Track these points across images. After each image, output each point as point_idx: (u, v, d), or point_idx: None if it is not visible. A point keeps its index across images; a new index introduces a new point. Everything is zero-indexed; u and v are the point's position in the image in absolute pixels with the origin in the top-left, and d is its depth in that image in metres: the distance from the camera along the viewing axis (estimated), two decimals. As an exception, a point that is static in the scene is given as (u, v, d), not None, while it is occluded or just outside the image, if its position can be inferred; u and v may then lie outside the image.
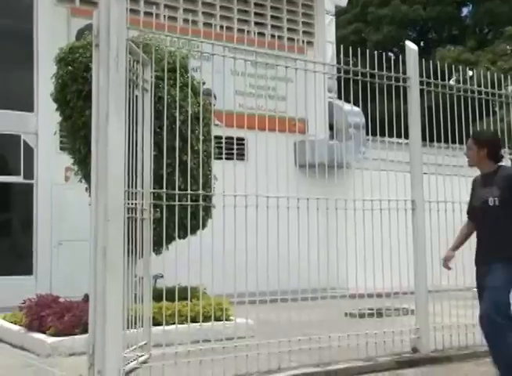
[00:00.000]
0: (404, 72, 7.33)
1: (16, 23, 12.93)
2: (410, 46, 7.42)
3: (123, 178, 5.46)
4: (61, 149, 11.80)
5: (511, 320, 4.82)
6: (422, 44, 30.35)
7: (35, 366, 6.68)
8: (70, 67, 8.39)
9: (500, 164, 5.24)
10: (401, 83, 7.30)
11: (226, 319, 6.86)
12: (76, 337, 7.14)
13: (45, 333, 7.41)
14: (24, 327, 7.86)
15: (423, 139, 7.36)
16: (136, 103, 6.18)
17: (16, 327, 8.03)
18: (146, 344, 6.20)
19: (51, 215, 12.82)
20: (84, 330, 6.56)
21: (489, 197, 5.06)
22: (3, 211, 12.92)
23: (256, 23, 15.83)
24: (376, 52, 7.17)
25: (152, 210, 6.19)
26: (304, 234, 6.34)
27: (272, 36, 14.88)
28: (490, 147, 5.16)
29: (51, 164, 12.76)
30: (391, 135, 7.27)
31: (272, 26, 16.16)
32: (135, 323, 6.05)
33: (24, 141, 12.84)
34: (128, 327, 5.70)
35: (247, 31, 6.84)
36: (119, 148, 5.41)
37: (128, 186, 5.73)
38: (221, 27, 11.67)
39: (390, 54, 29.27)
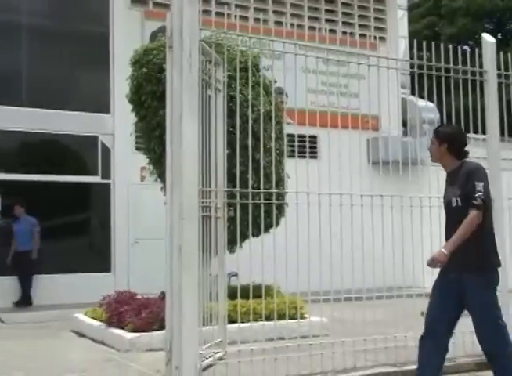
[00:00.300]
0: (480, 65, 7.13)
1: (92, 28, 13.33)
2: (487, 38, 7.21)
3: (197, 178, 5.51)
4: (137, 149, 12.07)
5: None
6: (499, 36, 29.45)
7: (116, 360, 6.87)
8: (144, 69, 8.55)
9: (465, 160, 4.88)
10: (477, 77, 7.11)
11: (300, 318, 6.85)
12: (153, 333, 7.29)
13: (123, 328, 7.60)
14: (104, 322, 8.09)
15: (502, 134, 7.15)
16: (209, 103, 6.25)
17: (96, 323, 8.27)
18: (221, 341, 6.27)
19: (127, 214, 13.14)
20: (161, 327, 6.70)
21: (452, 197, 4.76)
22: (82, 210, 13.33)
23: (327, 20, 15.75)
24: (450, 46, 7.01)
25: (226, 208, 6.24)
26: (379, 232, 6.27)
27: (344, 33, 14.76)
28: (451, 143, 4.83)
29: (127, 164, 13.08)
30: (467, 131, 7.09)
31: (344, 22, 16.03)
32: (211, 321, 6.13)
33: (101, 142, 13.21)
34: (203, 325, 5.78)
35: (318, 29, 6.80)
36: (193, 147, 5.47)
37: (202, 185, 5.78)
38: (292, 25, 11.66)
39: (465, 47, 28.53)
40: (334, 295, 6.12)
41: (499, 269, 4.80)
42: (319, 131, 6.25)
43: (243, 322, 6.13)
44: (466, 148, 4.92)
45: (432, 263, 4.58)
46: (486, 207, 4.61)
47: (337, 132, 6.32)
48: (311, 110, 6.49)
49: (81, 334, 8.57)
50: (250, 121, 6.32)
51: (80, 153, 13.55)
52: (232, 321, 6.58)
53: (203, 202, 5.84)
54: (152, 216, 11.80)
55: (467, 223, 4.53)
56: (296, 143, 6.35)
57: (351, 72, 6.53)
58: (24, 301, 11.87)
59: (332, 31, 13.58)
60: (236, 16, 6.30)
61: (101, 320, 8.21)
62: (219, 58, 6.43)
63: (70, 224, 12.98)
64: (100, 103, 13.18)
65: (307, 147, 6.73)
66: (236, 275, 7.08)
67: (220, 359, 6.02)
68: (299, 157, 6.37)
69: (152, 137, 8.71)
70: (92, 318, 8.53)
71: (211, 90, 6.38)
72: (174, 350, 5.30)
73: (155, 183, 9.31)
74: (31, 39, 12.90)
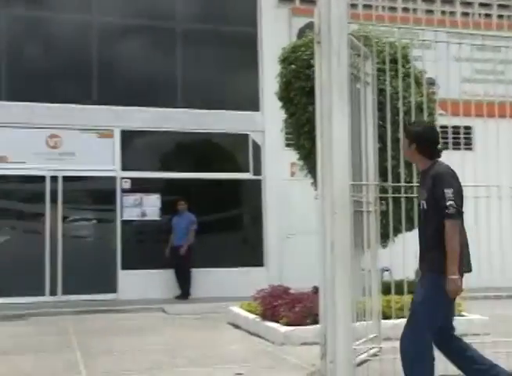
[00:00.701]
0: None
1: (241, 28, 13.65)
2: None
3: (348, 172, 5.46)
4: (286, 145, 12.23)
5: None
6: None
7: (271, 353, 7.01)
8: (292, 66, 8.64)
9: (437, 160, 4.54)
10: None
11: (458, 315, 6.62)
12: (307, 327, 7.36)
13: (278, 322, 7.74)
14: (259, 315, 8.28)
15: None
16: (358, 97, 6.21)
17: (251, 316, 8.49)
18: (375, 337, 6.21)
19: (279, 209, 13.35)
20: (314, 321, 6.76)
21: (421, 200, 4.51)
22: (235, 206, 13.73)
23: (481, 5, 14.98)
24: None
25: (378, 203, 6.17)
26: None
27: (500, 16, 14.04)
28: (419, 143, 4.54)
29: (277, 160, 13.29)
30: None
31: (500, 5, 15.19)
32: (364, 316, 6.09)
33: (252, 139, 13.53)
34: (357, 320, 5.75)
35: (472, 14, 6.53)
36: (343, 142, 5.42)
37: (354, 180, 5.75)
38: (443, 12, 11.28)
39: None
40: (494, 292, 5.85)
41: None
42: (473, 121, 5.99)
43: (397, 318, 6.03)
44: (439, 147, 4.60)
45: (453, 294, 4.35)
46: (460, 213, 4.32)
47: (494, 122, 6.04)
48: (465, 100, 6.25)
49: (236, 326, 8.84)
50: (401, 114, 6.19)
51: (232, 150, 13.94)
52: (386, 317, 6.50)
53: (354, 197, 5.81)
54: (303, 211, 11.93)
55: (448, 238, 4.26)
56: (450, 135, 6.15)
57: (508, 57, 6.22)
58: (183, 294, 12.42)
59: (487, 16, 12.98)
60: (383, 7, 6.20)
61: (256, 313, 8.41)
62: (368, 51, 6.36)
63: (224, 220, 13.42)
64: (250, 101, 13.49)
65: (461, 138, 6.46)
66: (388, 270, 6.97)
67: (374, 355, 5.97)
68: (453, 148, 6.17)
69: (301, 133, 8.79)
70: (247, 311, 8.77)
71: (360, 84, 6.33)
72: (328, 345, 5.31)
73: (305, 178, 9.40)
74: (184, 43, 13.45)
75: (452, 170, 4.48)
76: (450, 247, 4.26)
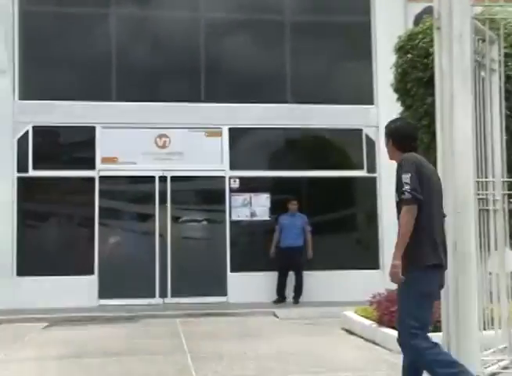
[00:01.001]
0: None
1: (353, 18, 13.15)
2: None
3: (472, 167, 5.19)
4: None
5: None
6: None
7: (388, 361, 6.63)
8: (409, 55, 8.28)
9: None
10: None
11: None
12: (428, 335, 6.89)
13: (395, 329, 7.31)
14: (375, 321, 7.88)
15: None
16: (483, 86, 5.77)
17: (367, 321, 8.10)
18: (505, 347, 5.71)
19: (396, 209, 12.75)
20: (435, 329, 6.30)
21: (395, 193, 4.49)
22: (349, 205, 13.20)
23: None
24: None
25: (506, 200, 5.74)
26: None
27: None
28: (394, 138, 4.66)
29: (392, 156, 12.72)
30: None
31: None
32: (492, 324, 5.63)
33: (366, 134, 13.00)
34: (484, 328, 5.33)
35: None
36: (466, 135, 5.14)
37: (478, 176, 5.47)
38: None
39: None
40: None
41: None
42: None
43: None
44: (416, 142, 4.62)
45: (391, 279, 4.30)
46: (417, 198, 4.26)
47: None
48: None
49: (351, 332, 8.48)
50: (531, 102, 5.70)
51: (344, 147, 13.42)
52: (517, 326, 5.97)
53: (479, 194, 5.48)
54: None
55: (402, 222, 4.32)
56: None
57: None
58: (296, 295, 12.00)
59: None
60: (510, -15, 5.68)
61: (371, 319, 8.01)
62: (494, 35, 5.87)
63: (336, 220, 12.97)
64: (363, 95, 12.96)
65: None
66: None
67: (505, 367, 5.49)
68: None
69: (419, 126, 8.34)
70: (362, 316, 8.38)
71: (485, 71, 5.87)
72: (452, 354, 4.93)
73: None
74: (293, 36, 13.11)
75: (415, 157, 4.43)
76: (401, 233, 4.28)
